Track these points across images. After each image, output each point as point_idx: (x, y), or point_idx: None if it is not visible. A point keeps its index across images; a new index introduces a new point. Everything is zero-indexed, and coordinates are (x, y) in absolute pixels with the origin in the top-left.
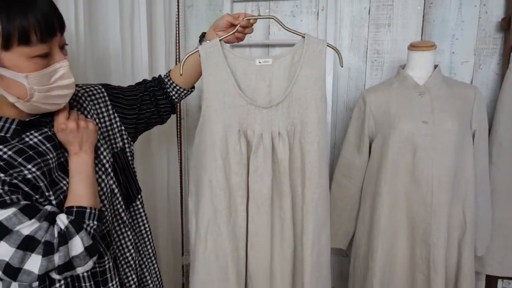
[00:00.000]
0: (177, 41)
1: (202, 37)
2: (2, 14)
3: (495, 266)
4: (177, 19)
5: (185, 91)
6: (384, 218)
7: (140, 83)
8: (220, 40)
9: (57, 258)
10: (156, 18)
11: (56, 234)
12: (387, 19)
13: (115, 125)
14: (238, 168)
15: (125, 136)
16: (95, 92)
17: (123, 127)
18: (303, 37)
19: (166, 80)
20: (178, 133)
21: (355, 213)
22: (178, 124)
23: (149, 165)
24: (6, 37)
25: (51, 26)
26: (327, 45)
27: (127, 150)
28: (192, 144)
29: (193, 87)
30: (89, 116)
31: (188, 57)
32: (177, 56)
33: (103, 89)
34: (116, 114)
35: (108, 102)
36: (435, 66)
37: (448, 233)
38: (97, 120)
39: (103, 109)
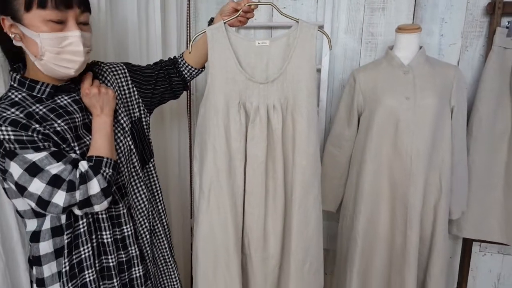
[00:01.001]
0: (188, 24)
1: (211, 21)
2: None
3: (470, 230)
4: (188, 3)
5: (196, 70)
6: (368, 183)
7: (156, 63)
8: (224, 23)
9: (78, 195)
10: (169, 2)
11: (77, 175)
12: (382, 3)
13: (133, 97)
14: (237, 135)
15: (142, 107)
16: (117, 68)
17: (140, 100)
18: (297, 22)
19: (179, 60)
20: (189, 107)
21: (344, 179)
22: (188, 100)
23: (163, 135)
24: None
25: None
26: (318, 30)
27: (143, 120)
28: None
29: (204, 67)
30: (111, 87)
31: (196, 36)
32: (188, 37)
33: (124, 66)
34: (134, 88)
35: (128, 77)
36: (420, 47)
37: (425, 197)
38: (118, 91)
39: (124, 83)
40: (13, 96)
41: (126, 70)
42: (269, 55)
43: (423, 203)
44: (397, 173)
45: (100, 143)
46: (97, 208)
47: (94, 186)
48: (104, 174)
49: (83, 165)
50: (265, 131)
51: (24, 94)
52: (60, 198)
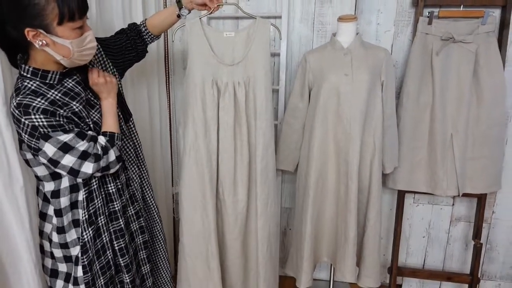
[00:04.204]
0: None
1: (179, 1)
2: (58, 1)
3: (402, 183)
4: None
5: (156, 37)
6: (317, 145)
7: (121, 33)
8: (200, 18)
9: (102, 163)
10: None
11: (100, 148)
12: None
13: (109, 68)
14: (211, 106)
15: (116, 75)
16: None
17: (114, 69)
18: (255, 18)
19: (143, 29)
20: (166, 70)
21: (300, 144)
22: (166, 64)
23: (144, 97)
24: (60, 16)
25: (85, 7)
26: (271, 25)
27: (119, 84)
28: (175, 83)
29: (160, 35)
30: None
31: (177, 29)
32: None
33: (97, 43)
34: (108, 60)
35: (102, 52)
36: (357, 34)
37: (362, 155)
38: (99, 66)
39: (99, 58)
40: (29, 85)
41: (99, 47)
42: (234, 43)
43: (360, 159)
44: (340, 135)
45: (110, 121)
46: (112, 171)
47: (112, 155)
48: (117, 145)
49: (102, 139)
50: (232, 102)
51: (38, 82)
52: (88, 167)
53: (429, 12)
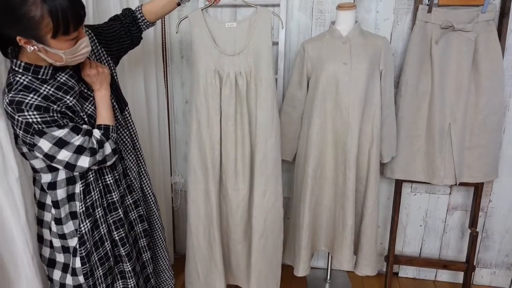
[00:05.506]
0: None
1: None
2: (53, 15)
3: (400, 172)
4: None
5: (152, 24)
6: (316, 134)
7: (115, 19)
8: (202, 9)
9: (98, 156)
10: None
11: (95, 142)
12: None
13: (103, 56)
14: (214, 95)
15: (111, 63)
16: (88, 36)
17: (109, 58)
18: (255, 8)
19: (139, 16)
20: (164, 59)
21: (298, 133)
22: (164, 54)
23: (141, 86)
24: (55, 30)
25: (81, 19)
26: (272, 13)
27: (114, 73)
28: (173, 72)
29: (156, 22)
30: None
31: (181, 20)
32: None
33: (90, 31)
34: (103, 48)
35: (96, 40)
36: (356, 22)
37: (360, 144)
38: (93, 55)
39: (93, 47)
40: (21, 81)
41: (92, 34)
42: (236, 34)
43: (358, 148)
44: (338, 124)
45: (104, 113)
46: (109, 163)
47: (107, 148)
48: (112, 137)
49: (97, 133)
50: (234, 91)
51: (30, 77)
52: (84, 161)
53: (429, 0)
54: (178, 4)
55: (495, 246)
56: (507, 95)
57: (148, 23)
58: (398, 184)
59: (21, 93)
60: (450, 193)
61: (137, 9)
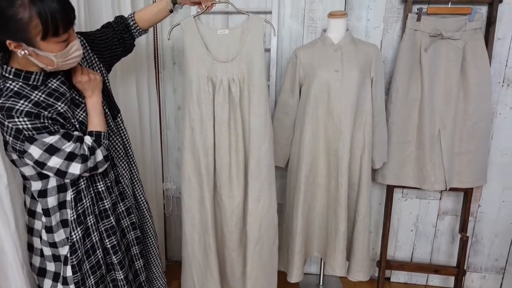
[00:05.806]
0: None
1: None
2: (42, 17)
3: (391, 178)
4: None
5: (144, 31)
6: (308, 141)
7: (107, 27)
8: (194, 16)
9: (89, 163)
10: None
11: (86, 149)
12: None
13: (95, 63)
14: (207, 101)
15: (103, 70)
16: (81, 42)
17: (101, 64)
18: (247, 15)
19: (131, 23)
20: (156, 65)
21: (290, 140)
22: (156, 61)
23: (133, 92)
24: (44, 32)
25: (70, 21)
26: (264, 21)
27: (106, 80)
28: (165, 79)
29: (149, 29)
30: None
31: (173, 28)
32: None
33: (82, 38)
34: (95, 55)
35: (88, 47)
36: (347, 30)
37: (352, 150)
38: (82, 61)
39: (85, 54)
40: (12, 87)
41: (85, 41)
42: (228, 41)
43: (350, 155)
44: (330, 131)
45: (96, 120)
46: (100, 170)
47: (99, 155)
48: (104, 144)
49: (88, 140)
50: (227, 98)
51: (20, 84)
52: (75, 168)
53: (418, 9)
54: (171, 11)
55: (484, 250)
56: (494, 102)
57: (140, 30)
58: (390, 189)
59: (12, 99)
60: (440, 198)
61: (130, 17)
